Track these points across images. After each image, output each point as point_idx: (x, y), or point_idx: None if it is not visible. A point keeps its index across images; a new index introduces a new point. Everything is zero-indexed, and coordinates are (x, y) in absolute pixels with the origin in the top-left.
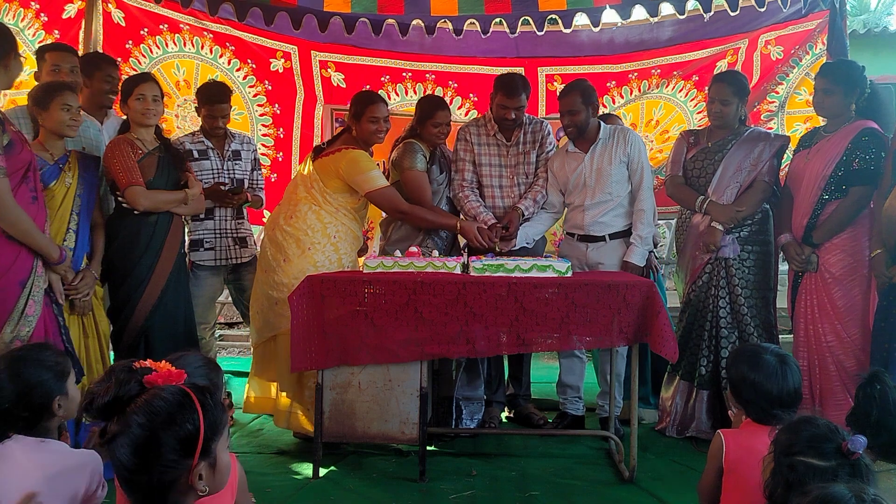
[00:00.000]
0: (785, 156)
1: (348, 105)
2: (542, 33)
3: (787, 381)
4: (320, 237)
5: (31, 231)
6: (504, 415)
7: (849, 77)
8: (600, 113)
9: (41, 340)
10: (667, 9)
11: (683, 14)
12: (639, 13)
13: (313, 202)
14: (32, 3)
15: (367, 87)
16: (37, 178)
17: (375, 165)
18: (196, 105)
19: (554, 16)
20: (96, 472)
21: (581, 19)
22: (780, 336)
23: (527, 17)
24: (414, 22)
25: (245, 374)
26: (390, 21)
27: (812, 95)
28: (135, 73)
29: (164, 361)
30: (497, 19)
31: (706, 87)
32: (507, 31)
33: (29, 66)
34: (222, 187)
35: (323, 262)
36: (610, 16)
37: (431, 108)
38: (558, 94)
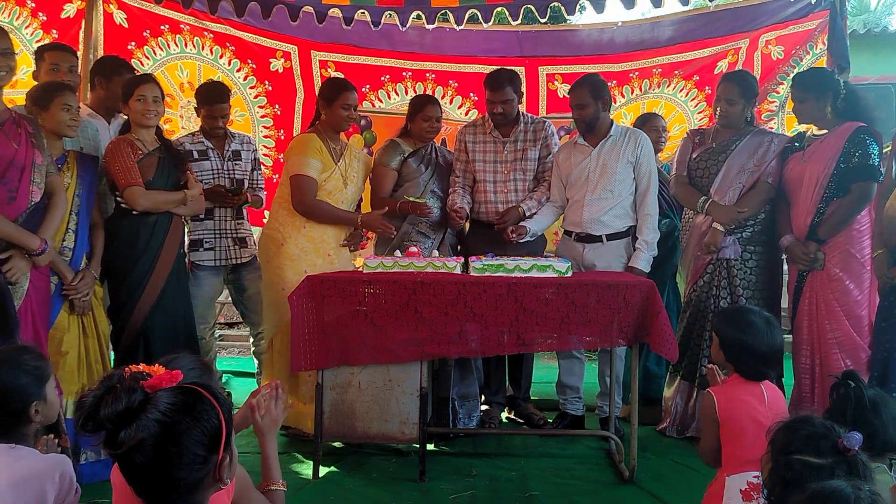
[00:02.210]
0: None
1: (319, 95)
2: (544, 21)
3: (775, 339)
4: (290, 230)
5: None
6: (504, 415)
7: (815, 83)
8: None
9: (27, 343)
10: (671, 2)
11: (687, 4)
12: (643, 4)
13: (283, 199)
14: (28, 2)
15: (367, 86)
16: (24, 179)
17: (317, 154)
18: (195, 106)
19: (557, 3)
20: (66, 477)
21: (583, 18)
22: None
23: (529, 6)
24: (414, 13)
25: (245, 375)
26: (390, 13)
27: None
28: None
29: (156, 365)
30: (499, 9)
31: (707, 87)
32: (509, 18)
33: (26, 66)
34: (221, 188)
35: (298, 254)
36: (613, 5)
37: (421, 103)
38: (569, 88)
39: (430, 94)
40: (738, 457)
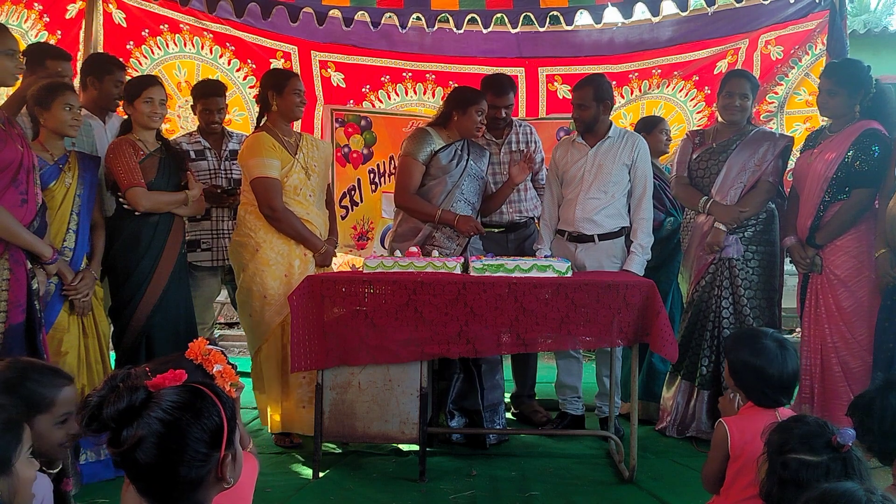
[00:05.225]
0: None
1: (261, 83)
2: (543, 29)
3: (787, 365)
4: (264, 234)
5: (15, 228)
6: (508, 414)
7: (854, 78)
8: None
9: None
10: (668, 7)
11: (686, 11)
12: (640, 11)
13: (248, 203)
14: (36, 5)
15: (367, 86)
16: (30, 181)
17: (272, 152)
18: (192, 104)
19: (555, 12)
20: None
21: (582, 19)
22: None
23: (528, 14)
24: (414, 16)
25: (245, 374)
26: (389, 15)
27: (815, 95)
28: (136, 73)
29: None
30: (498, 15)
31: (707, 87)
32: (509, 26)
33: None
34: (216, 189)
35: (276, 258)
36: (612, 14)
37: (476, 94)
38: (574, 86)
39: (431, 94)
40: (741, 491)
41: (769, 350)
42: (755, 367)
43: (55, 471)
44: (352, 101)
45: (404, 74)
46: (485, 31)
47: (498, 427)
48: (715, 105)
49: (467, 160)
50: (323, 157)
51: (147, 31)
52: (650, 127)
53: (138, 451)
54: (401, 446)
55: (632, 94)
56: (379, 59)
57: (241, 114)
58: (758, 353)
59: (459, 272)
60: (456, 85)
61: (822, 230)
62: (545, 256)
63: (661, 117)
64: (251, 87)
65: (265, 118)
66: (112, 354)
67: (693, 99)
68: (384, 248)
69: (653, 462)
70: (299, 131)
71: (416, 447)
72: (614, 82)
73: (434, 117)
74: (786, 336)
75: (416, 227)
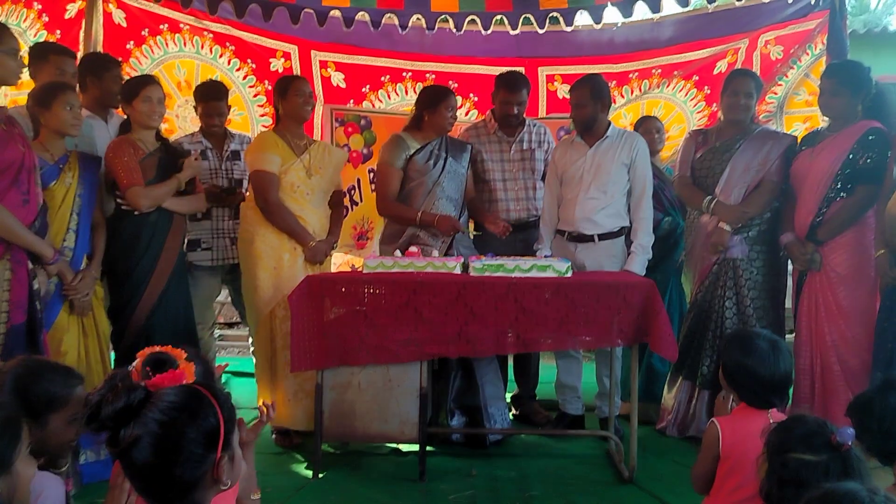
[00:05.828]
0: None
1: (273, 93)
2: (543, 32)
3: (779, 365)
4: (258, 227)
5: (17, 229)
6: (508, 414)
7: (856, 79)
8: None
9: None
10: (669, 5)
11: (687, 6)
12: (641, 10)
13: (250, 199)
14: (35, 4)
15: (367, 86)
16: (31, 181)
17: (273, 149)
18: (194, 105)
19: (555, 14)
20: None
21: (582, 19)
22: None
23: (528, 15)
24: (414, 17)
25: (245, 375)
26: (390, 16)
27: (817, 95)
28: (135, 73)
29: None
30: (498, 17)
31: (707, 87)
32: (508, 28)
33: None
34: (217, 188)
35: (267, 251)
36: (611, 13)
37: (444, 92)
38: (571, 86)
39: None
40: (730, 494)
41: (761, 351)
42: (746, 367)
43: (63, 469)
44: (352, 101)
45: (404, 74)
46: (485, 33)
47: (499, 424)
48: (717, 104)
49: (446, 158)
50: (333, 163)
51: (147, 30)
52: (637, 127)
53: (134, 451)
54: (401, 446)
55: (632, 93)
56: (379, 58)
57: (240, 113)
58: (749, 353)
59: (459, 272)
60: (455, 84)
61: (824, 226)
62: (545, 256)
63: (650, 116)
64: (251, 87)
65: (277, 123)
66: (112, 354)
67: (693, 99)
68: None
69: (653, 462)
70: (312, 138)
71: (415, 447)
72: (614, 82)
73: (407, 121)
74: (787, 336)
75: (402, 228)
